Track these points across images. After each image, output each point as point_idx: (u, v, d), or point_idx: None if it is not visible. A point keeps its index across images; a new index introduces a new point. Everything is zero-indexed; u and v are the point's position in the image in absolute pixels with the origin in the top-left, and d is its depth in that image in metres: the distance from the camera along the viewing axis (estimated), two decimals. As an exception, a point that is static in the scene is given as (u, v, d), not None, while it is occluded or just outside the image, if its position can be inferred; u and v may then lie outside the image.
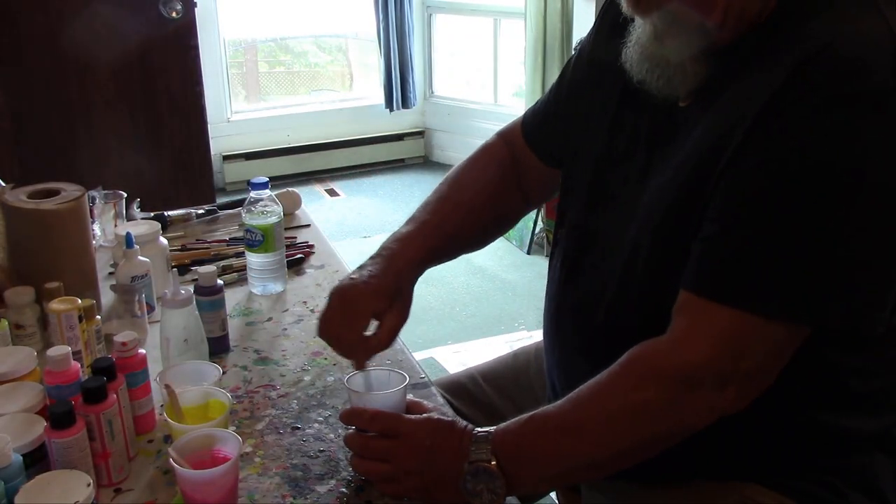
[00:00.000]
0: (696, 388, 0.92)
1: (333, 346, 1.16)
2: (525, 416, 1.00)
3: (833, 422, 1.01)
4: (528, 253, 3.79)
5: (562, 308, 1.16)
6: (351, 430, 1.08)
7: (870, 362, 1.00)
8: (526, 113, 1.32)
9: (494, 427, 1.00)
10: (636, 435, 0.96)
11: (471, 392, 1.38)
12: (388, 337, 1.15)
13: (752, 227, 0.90)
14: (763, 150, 0.89)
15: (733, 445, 1.03)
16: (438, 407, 1.14)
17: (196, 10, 2.96)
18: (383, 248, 1.21)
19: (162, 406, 1.12)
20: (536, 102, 1.32)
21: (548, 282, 1.22)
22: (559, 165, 1.24)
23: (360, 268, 1.18)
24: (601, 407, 0.97)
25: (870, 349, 0.99)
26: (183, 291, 1.23)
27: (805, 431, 1.02)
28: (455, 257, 1.31)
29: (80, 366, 1.08)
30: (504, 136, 1.35)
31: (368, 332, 1.15)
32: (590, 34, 1.22)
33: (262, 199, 1.51)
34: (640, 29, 1.00)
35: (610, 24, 1.14)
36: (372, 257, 1.20)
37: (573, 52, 1.26)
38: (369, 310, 1.14)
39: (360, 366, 1.13)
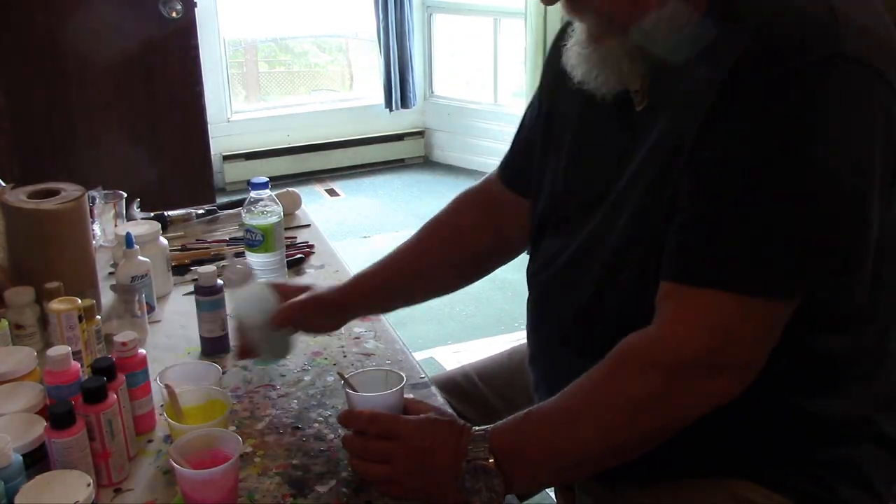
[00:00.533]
0: (688, 376, 0.93)
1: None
2: (521, 413, 1.00)
3: (818, 410, 1.01)
4: (528, 253, 3.80)
5: (550, 321, 1.17)
6: (349, 432, 1.09)
7: (852, 342, 1.01)
8: (500, 165, 1.33)
9: (491, 425, 1.01)
10: (632, 428, 0.96)
11: (465, 389, 1.38)
12: (280, 313, 1.21)
13: (722, 210, 0.91)
14: (722, 135, 0.90)
15: (722, 442, 1.03)
16: (438, 407, 1.14)
17: (196, 10, 2.96)
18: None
19: (162, 406, 1.12)
20: (504, 156, 1.33)
21: (529, 299, 1.23)
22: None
23: None
24: (595, 401, 0.97)
25: (852, 331, 1.00)
26: (239, 266, 1.27)
27: (791, 423, 1.02)
28: (419, 300, 1.37)
29: (80, 366, 1.07)
30: (478, 192, 1.35)
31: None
32: (545, 60, 1.27)
33: (262, 199, 1.51)
34: (577, 31, 1.03)
35: (550, 63, 1.19)
36: None
37: (529, 105, 1.29)
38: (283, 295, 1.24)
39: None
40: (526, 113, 1.29)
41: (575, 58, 1.03)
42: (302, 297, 1.24)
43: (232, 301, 1.28)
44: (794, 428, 1.02)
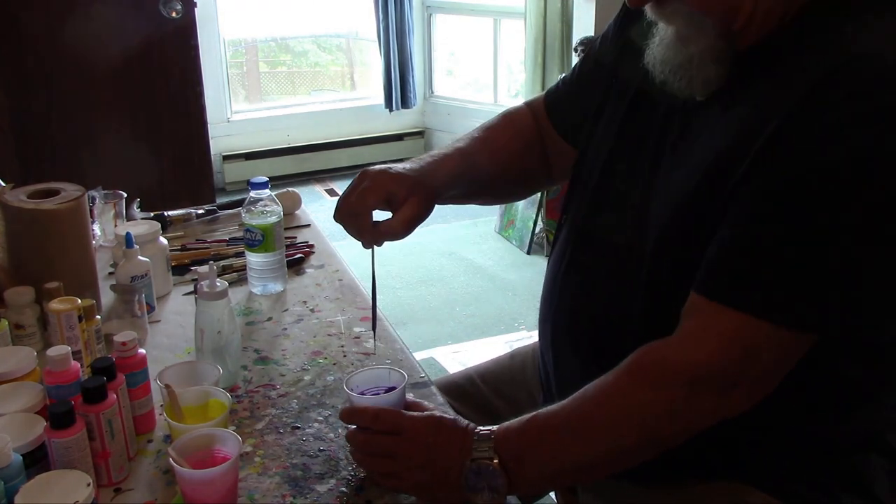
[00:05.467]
0: (702, 389, 0.93)
1: (344, 223, 1.15)
2: (528, 414, 1.00)
3: (827, 426, 1.01)
4: (528, 253, 3.79)
5: (558, 304, 1.17)
6: (350, 429, 1.09)
7: (868, 370, 1.00)
8: (549, 89, 1.34)
9: (497, 426, 1.00)
10: (640, 435, 0.96)
11: (467, 392, 1.38)
12: (400, 225, 1.11)
13: (768, 235, 0.90)
14: (784, 160, 0.88)
15: (727, 447, 1.03)
16: (439, 407, 1.14)
17: (196, 10, 2.97)
18: (416, 158, 1.21)
19: (162, 406, 1.12)
20: (558, 81, 1.34)
21: (545, 279, 1.22)
22: (576, 146, 1.25)
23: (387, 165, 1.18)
24: (605, 406, 0.97)
25: (869, 357, 1.00)
26: (219, 284, 1.23)
27: (799, 434, 1.02)
28: (476, 197, 1.33)
29: (80, 366, 1.07)
30: (530, 106, 1.37)
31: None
32: (615, 26, 1.22)
33: (261, 199, 1.51)
34: (663, 30, 1.01)
35: (629, 22, 1.15)
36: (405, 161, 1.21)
37: (597, 40, 1.27)
38: (384, 189, 1.11)
39: (366, 245, 1.14)
40: (588, 58, 1.26)
41: (660, 56, 1.01)
42: (415, 200, 1.12)
43: (199, 311, 1.25)
44: (798, 439, 1.02)
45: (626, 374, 0.96)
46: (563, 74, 1.34)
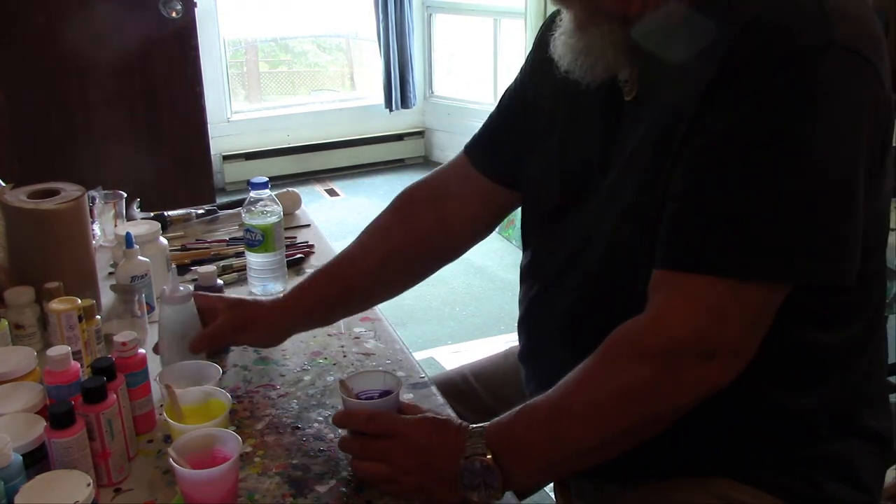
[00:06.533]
0: (680, 362, 0.93)
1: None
2: (516, 408, 1.01)
3: (798, 405, 1.01)
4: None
5: (544, 325, 1.17)
6: (345, 434, 1.09)
7: (842, 340, 1.01)
8: (467, 144, 1.31)
9: (488, 422, 1.01)
10: (626, 417, 0.96)
11: (461, 390, 1.38)
12: (200, 340, 1.22)
13: (714, 195, 0.91)
14: (714, 121, 0.91)
15: (709, 441, 1.03)
16: (437, 408, 1.14)
17: (196, 10, 2.97)
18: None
19: (162, 406, 1.12)
20: (474, 135, 1.31)
21: (522, 303, 1.23)
22: (513, 185, 1.24)
23: None
24: (588, 391, 0.97)
25: (841, 325, 1.01)
26: (182, 288, 1.23)
27: (773, 419, 1.02)
28: (365, 306, 1.37)
29: (80, 366, 1.08)
30: (424, 184, 1.34)
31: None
32: (530, 51, 1.25)
33: (262, 199, 1.51)
34: (565, 22, 1.04)
35: (542, 52, 1.17)
36: None
37: (510, 85, 1.28)
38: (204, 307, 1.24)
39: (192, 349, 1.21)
40: (504, 100, 1.27)
41: (561, 46, 1.04)
42: (220, 322, 1.23)
43: (162, 313, 1.25)
44: (776, 425, 1.03)
45: (603, 357, 0.97)
46: (480, 128, 1.31)
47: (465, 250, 1.36)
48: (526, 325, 1.21)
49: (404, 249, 1.29)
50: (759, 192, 0.90)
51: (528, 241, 1.22)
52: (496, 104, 1.29)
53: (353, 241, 1.32)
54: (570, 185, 1.12)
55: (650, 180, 0.97)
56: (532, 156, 1.18)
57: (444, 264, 1.35)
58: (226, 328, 1.23)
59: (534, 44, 1.24)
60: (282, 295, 1.31)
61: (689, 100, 0.93)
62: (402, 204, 1.33)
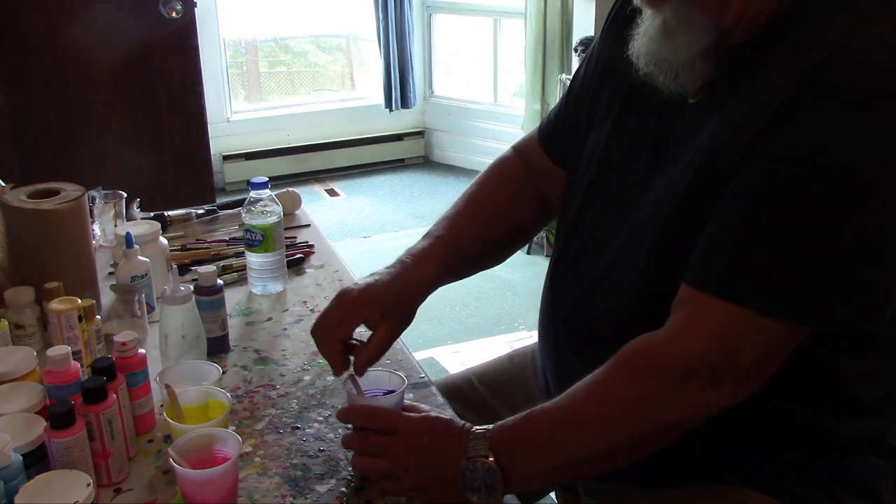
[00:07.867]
0: (692, 381, 0.92)
1: (318, 346, 1.15)
2: (523, 412, 1.00)
3: (830, 426, 1.01)
4: (528, 253, 3.79)
5: (555, 305, 1.17)
6: (349, 431, 1.08)
7: (870, 366, 1.00)
8: (542, 122, 1.33)
9: (492, 424, 1.00)
10: (632, 428, 0.95)
11: (466, 394, 1.38)
12: (374, 349, 1.12)
13: (758, 226, 0.89)
14: (774, 150, 0.88)
15: (728, 449, 1.03)
16: (437, 408, 1.14)
17: (196, 10, 2.97)
18: (399, 259, 1.20)
19: (162, 406, 1.12)
20: (551, 111, 1.32)
21: (545, 280, 1.22)
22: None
23: (372, 274, 1.18)
24: (597, 400, 0.96)
25: (870, 353, 0.99)
26: (182, 288, 1.23)
27: (801, 435, 1.01)
28: (472, 273, 1.31)
29: (80, 366, 1.08)
30: (518, 149, 1.35)
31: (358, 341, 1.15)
32: (600, 33, 1.22)
33: (261, 199, 1.51)
34: (648, 21, 1.00)
35: (622, 18, 1.14)
36: (387, 266, 1.19)
37: (584, 56, 1.27)
38: (357, 318, 1.13)
39: (336, 372, 1.13)
40: (573, 84, 1.26)
41: (642, 48, 1.00)
42: (380, 336, 1.13)
43: (163, 313, 1.25)
44: (800, 441, 1.02)
45: (616, 368, 0.96)
46: (554, 106, 1.32)
47: (531, 232, 1.37)
48: (542, 312, 1.20)
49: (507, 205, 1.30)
50: (805, 234, 0.87)
51: (565, 214, 1.20)
52: (569, 86, 1.28)
53: (456, 215, 1.27)
54: (608, 179, 1.10)
55: (699, 190, 0.94)
56: (586, 146, 1.16)
57: (516, 245, 1.36)
58: (390, 338, 1.15)
59: (603, 31, 1.20)
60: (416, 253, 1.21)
61: (756, 115, 0.89)
62: (501, 181, 1.33)
